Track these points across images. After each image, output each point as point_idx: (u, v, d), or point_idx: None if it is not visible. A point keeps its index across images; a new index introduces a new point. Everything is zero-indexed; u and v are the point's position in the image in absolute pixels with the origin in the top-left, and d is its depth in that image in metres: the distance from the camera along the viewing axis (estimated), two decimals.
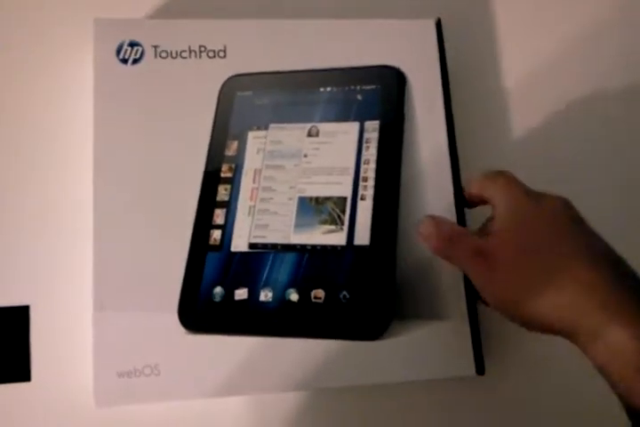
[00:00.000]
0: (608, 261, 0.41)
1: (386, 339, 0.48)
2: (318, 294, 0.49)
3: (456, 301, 0.49)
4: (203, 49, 0.52)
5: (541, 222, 0.43)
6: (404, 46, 0.53)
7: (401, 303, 0.49)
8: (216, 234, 0.50)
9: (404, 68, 0.52)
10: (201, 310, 0.48)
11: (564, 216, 0.43)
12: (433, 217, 0.46)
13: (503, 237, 0.43)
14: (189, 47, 0.52)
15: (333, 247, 0.49)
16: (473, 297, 0.49)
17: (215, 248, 0.50)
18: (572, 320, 0.39)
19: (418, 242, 0.46)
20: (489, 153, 0.56)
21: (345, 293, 0.48)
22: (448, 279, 0.49)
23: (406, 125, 0.51)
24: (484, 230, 0.46)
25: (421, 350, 0.48)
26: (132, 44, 0.51)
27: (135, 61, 0.51)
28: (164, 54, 0.52)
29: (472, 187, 0.48)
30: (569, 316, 0.39)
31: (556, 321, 0.40)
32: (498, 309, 0.43)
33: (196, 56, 0.52)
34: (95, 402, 0.45)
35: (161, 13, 0.56)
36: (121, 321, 0.47)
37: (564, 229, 0.42)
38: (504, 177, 0.45)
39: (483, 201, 0.47)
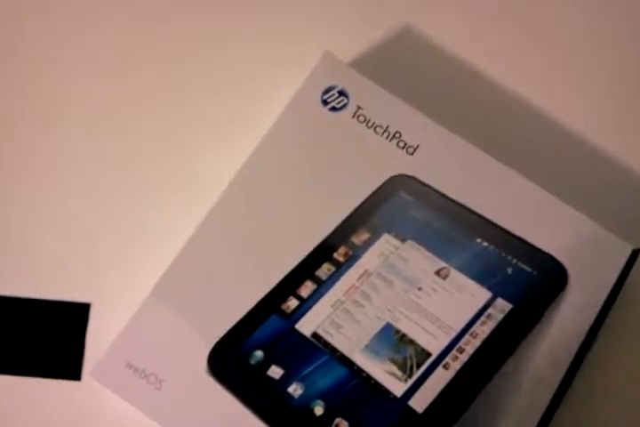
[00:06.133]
0: None
1: None
2: (342, 425, 0.44)
3: None
4: (398, 135, 0.49)
5: None
6: (587, 254, 0.47)
7: None
8: (292, 303, 0.46)
9: (571, 273, 0.47)
10: (231, 362, 0.45)
11: None
12: None
13: None
14: (387, 127, 0.50)
15: (387, 392, 0.44)
16: None
17: (283, 314, 0.46)
18: None
19: None
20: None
21: None
22: None
23: (537, 326, 0.46)
24: None
25: None
26: (342, 93, 0.50)
27: (333, 109, 0.50)
28: (361, 118, 0.50)
29: None
30: None
31: None
32: None
33: (387, 138, 0.49)
34: (92, 372, 0.46)
35: (366, 61, 0.55)
36: (164, 321, 0.46)
37: None
38: None
39: None
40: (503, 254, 0.47)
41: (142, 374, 0.45)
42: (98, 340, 0.49)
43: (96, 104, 0.55)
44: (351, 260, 0.48)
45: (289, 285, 0.47)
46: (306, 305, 0.46)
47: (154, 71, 0.55)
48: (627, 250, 0.47)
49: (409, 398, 0.44)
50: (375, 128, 0.50)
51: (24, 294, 0.50)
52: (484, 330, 0.46)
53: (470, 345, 0.45)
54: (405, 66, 0.55)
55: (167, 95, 0.55)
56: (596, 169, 0.55)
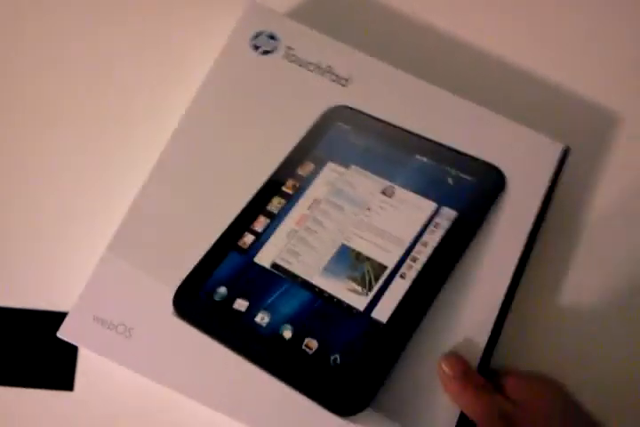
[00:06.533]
0: None
1: (352, 422, 0.44)
2: (311, 344, 0.46)
3: (443, 422, 0.45)
4: (329, 69, 0.51)
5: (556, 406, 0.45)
6: (522, 157, 0.50)
7: (387, 395, 0.45)
8: (248, 238, 0.48)
9: (509, 176, 0.49)
10: (197, 301, 0.47)
11: (570, 404, 0.45)
12: (460, 357, 0.46)
13: (530, 411, 0.44)
14: (318, 63, 0.51)
15: (349, 308, 0.46)
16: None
17: (240, 251, 0.48)
18: None
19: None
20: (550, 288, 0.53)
21: (337, 357, 0.45)
22: (445, 399, 0.45)
23: (483, 228, 0.48)
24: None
25: None
26: (271, 37, 0.51)
27: (265, 52, 0.51)
28: (292, 58, 0.51)
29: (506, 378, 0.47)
30: None
31: None
32: None
33: (320, 73, 0.51)
34: (60, 331, 0.46)
35: (300, 13, 0.56)
36: (125, 273, 0.47)
37: (573, 417, 0.45)
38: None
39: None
40: (442, 167, 0.50)
41: (111, 326, 0.46)
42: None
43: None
44: (300, 191, 0.49)
45: (242, 222, 0.48)
46: (262, 239, 0.48)
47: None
48: (558, 148, 0.50)
49: (372, 310, 0.46)
50: (307, 66, 0.51)
51: (16, 305, 0.51)
52: (433, 238, 0.48)
53: (423, 254, 0.48)
54: (334, 12, 0.57)
55: (100, 65, 0.56)
56: (519, 81, 0.57)
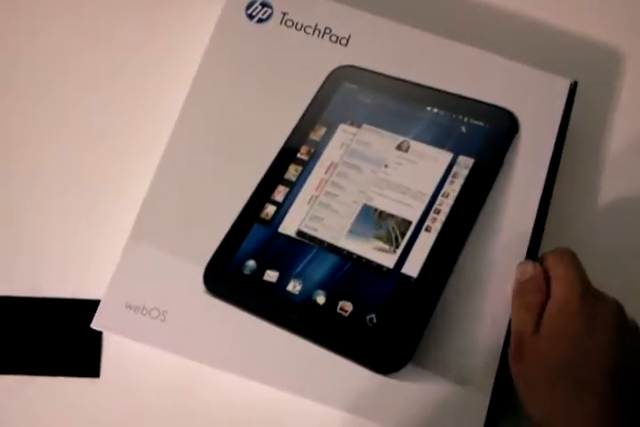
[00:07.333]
0: (629, 391, 0.41)
1: (395, 379, 0.45)
2: (346, 306, 0.46)
3: (484, 369, 0.45)
4: (328, 31, 0.51)
5: (585, 333, 0.42)
6: (531, 97, 0.49)
7: (426, 349, 0.45)
8: (270, 209, 0.48)
9: (521, 118, 0.48)
10: (227, 277, 0.47)
11: (612, 329, 0.42)
12: (534, 266, 0.45)
13: (545, 344, 0.42)
14: (316, 25, 0.51)
15: (379, 266, 0.46)
16: (505, 371, 0.45)
17: (264, 222, 0.48)
18: None
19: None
20: (577, 225, 0.53)
21: (373, 316, 0.46)
22: (485, 344, 0.46)
23: (501, 173, 0.48)
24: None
25: (424, 405, 0.45)
26: (264, 4, 0.51)
27: (260, 21, 0.51)
28: (289, 23, 0.51)
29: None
30: None
31: None
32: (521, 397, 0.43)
33: (319, 35, 0.51)
34: (94, 322, 0.46)
35: None
36: (151, 257, 0.47)
37: (604, 344, 0.42)
38: (567, 258, 0.44)
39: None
40: (453, 116, 0.50)
41: (144, 311, 0.46)
42: (114, 337, 0.49)
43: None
44: (315, 156, 0.49)
45: (262, 194, 0.48)
46: (283, 208, 0.48)
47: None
48: (565, 84, 0.50)
49: (401, 267, 0.47)
50: (305, 29, 0.51)
51: (40, 294, 0.50)
52: (454, 188, 0.48)
53: (445, 205, 0.48)
54: None
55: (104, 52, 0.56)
56: (518, 23, 0.57)
